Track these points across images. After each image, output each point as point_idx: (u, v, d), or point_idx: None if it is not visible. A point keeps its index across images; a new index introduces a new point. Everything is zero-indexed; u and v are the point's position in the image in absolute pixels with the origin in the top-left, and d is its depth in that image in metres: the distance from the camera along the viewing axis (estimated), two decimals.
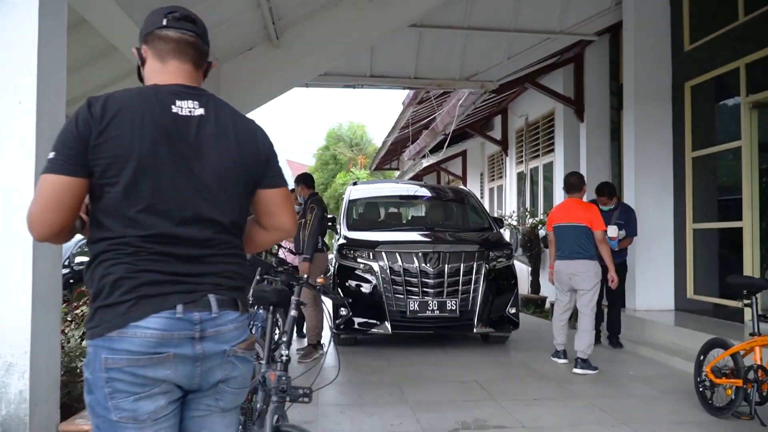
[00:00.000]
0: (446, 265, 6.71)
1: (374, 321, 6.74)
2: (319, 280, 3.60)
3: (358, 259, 6.88)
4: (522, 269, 11.29)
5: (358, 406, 4.87)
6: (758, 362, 4.14)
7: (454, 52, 9.36)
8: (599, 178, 9.43)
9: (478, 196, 16.81)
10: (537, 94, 10.97)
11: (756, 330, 4.29)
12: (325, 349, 6.67)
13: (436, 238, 7.17)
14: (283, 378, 2.70)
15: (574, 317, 6.49)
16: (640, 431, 4.22)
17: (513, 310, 6.97)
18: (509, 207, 13.52)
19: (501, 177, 14.75)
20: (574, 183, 6.57)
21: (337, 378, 5.78)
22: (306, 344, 6.68)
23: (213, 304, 1.81)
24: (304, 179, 6.95)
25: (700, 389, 4.60)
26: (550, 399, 5.03)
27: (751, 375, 4.14)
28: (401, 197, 8.75)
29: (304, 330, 6.81)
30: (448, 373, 5.93)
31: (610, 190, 7.21)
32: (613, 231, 6.84)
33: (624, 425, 4.34)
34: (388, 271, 6.72)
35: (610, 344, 7.19)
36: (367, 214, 8.24)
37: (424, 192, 9.06)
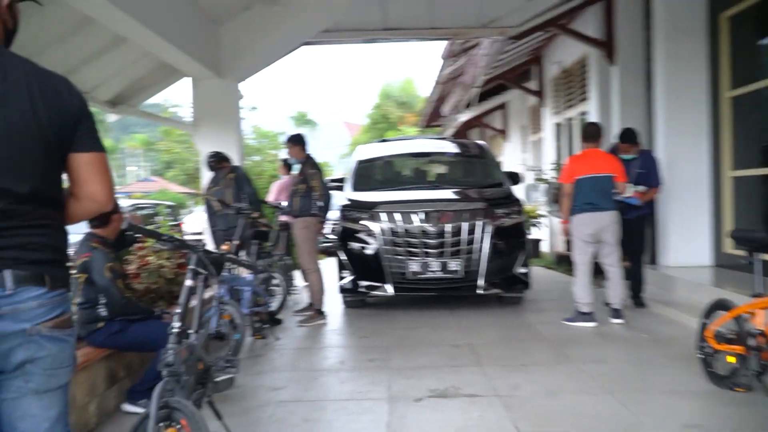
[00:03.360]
0: (448, 224, 6.39)
1: (376, 283, 6.53)
2: (224, 247, 3.38)
3: (359, 221, 6.64)
4: (555, 225, 10.80)
5: (335, 372, 4.70)
6: (759, 327, 3.68)
7: None
8: (633, 126, 8.80)
9: (521, 150, 16.18)
10: (571, 38, 10.24)
11: (759, 290, 3.81)
12: (326, 317, 6.55)
13: (439, 197, 6.82)
14: (171, 353, 2.51)
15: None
16: (623, 400, 3.85)
17: (522, 270, 6.59)
18: (548, 160, 12.89)
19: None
20: (593, 132, 6.25)
21: (326, 342, 5.70)
22: (309, 309, 6.56)
23: (8, 281, 1.66)
24: (297, 139, 6.70)
25: (701, 356, 4.16)
26: (540, 364, 4.71)
27: (751, 341, 3.69)
28: (411, 155, 8.39)
29: (309, 296, 6.68)
30: (445, 337, 5.67)
31: (632, 136, 6.66)
32: (640, 188, 6.36)
33: (607, 394, 3.98)
34: (388, 231, 6.46)
35: (633, 303, 6.72)
36: (374, 173, 7.94)
37: (436, 148, 8.66)
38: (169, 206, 15.57)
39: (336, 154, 39.11)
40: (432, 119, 21.71)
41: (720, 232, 7.41)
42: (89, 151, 1.81)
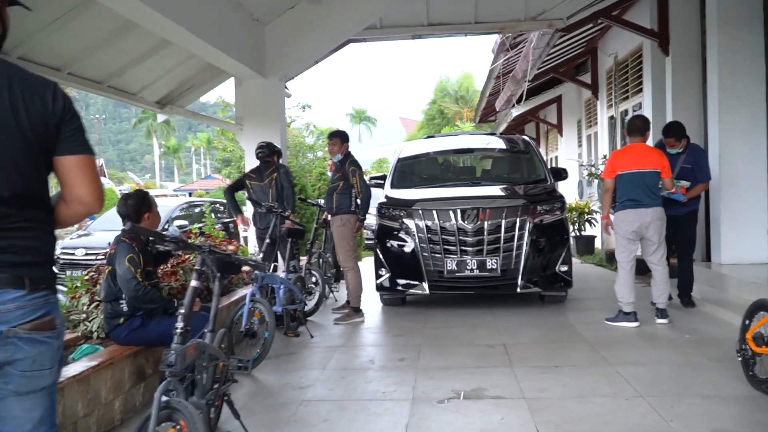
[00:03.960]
0: (486, 222, 6.29)
1: (413, 281, 6.51)
2: (231, 247, 3.42)
3: (396, 218, 6.63)
4: None
5: (363, 371, 4.71)
6: None
7: None
8: (687, 120, 8.46)
9: (576, 144, 15.78)
10: (624, 29, 9.91)
11: None
12: (364, 315, 6.56)
13: (477, 194, 6.72)
14: (173, 353, 2.56)
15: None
16: (655, 405, 3.70)
17: (564, 268, 6.42)
18: (601, 154, 12.52)
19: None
20: (639, 126, 6.06)
21: (359, 340, 5.72)
22: (347, 307, 6.59)
23: None
24: (341, 134, 6.73)
25: (740, 358, 3.95)
26: (574, 366, 4.58)
27: None
28: (453, 151, 8.29)
29: (338, 294, 6.72)
30: (480, 336, 5.60)
31: (678, 130, 6.38)
32: (683, 183, 6.10)
33: (640, 398, 3.84)
34: (424, 229, 6.42)
35: (681, 303, 6.46)
36: (414, 171, 7.90)
37: (479, 144, 8.53)
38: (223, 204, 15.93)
39: (392, 150, 39.15)
40: (486, 114, 21.43)
41: None
42: (75, 154, 1.82)
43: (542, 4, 8.88)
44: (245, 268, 5.31)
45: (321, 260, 7.65)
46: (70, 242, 13.63)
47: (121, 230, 3.93)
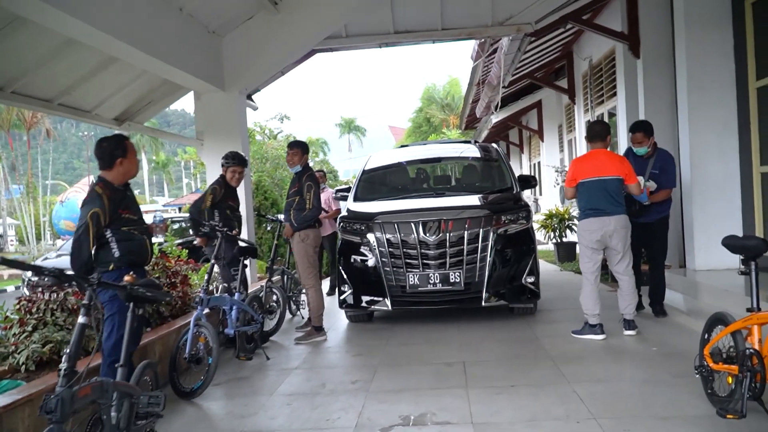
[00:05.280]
0: (448, 234, 6.09)
1: (376, 298, 6.29)
2: (127, 278, 3.21)
3: (357, 233, 6.42)
4: None
5: (312, 396, 4.48)
6: (754, 346, 3.27)
7: None
8: (659, 122, 8.31)
9: (557, 149, 15.62)
10: (596, 33, 9.76)
11: (755, 305, 3.40)
12: (325, 334, 6.34)
13: (440, 205, 6.52)
14: (52, 398, 2.30)
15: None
16: (609, 428, 3.49)
17: (531, 279, 6.21)
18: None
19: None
20: (598, 131, 5.86)
21: (315, 362, 5.49)
22: (309, 326, 6.36)
23: None
24: (301, 145, 6.49)
25: (697, 375, 3.74)
26: (531, 385, 4.36)
27: (745, 361, 3.28)
28: (419, 161, 8.09)
29: (306, 312, 6.49)
30: (441, 353, 5.38)
31: (645, 127, 6.22)
32: (649, 184, 5.90)
33: (592, 419, 3.63)
34: (385, 243, 6.21)
35: (653, 312, 6.26)
36: (379, 182, 7.70)
37: (446, 153, 8.34)
38: None
39: None
40: (471, 121, 21.29)
41: (752, 233, 6.83)
42: None
43: (509, 9, 8.72)
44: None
45: (286, 277, 7.42)
46: (41, 263, 13.39)
47: (98, 176, 3.91)
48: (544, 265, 11.49)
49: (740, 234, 6.94)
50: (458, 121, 30.36)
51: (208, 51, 7.31)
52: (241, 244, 5.75)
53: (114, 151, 3.88)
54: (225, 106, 7.74)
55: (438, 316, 6.77)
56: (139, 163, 4.04)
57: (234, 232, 5.59)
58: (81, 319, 2.49)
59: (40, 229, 34.81)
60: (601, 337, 5.49)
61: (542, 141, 16.53)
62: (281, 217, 7.07)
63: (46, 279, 2.40)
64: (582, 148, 12.42)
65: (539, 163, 17.84)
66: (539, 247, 14.93)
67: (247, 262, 5.98)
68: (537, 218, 16.15)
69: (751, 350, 3.23)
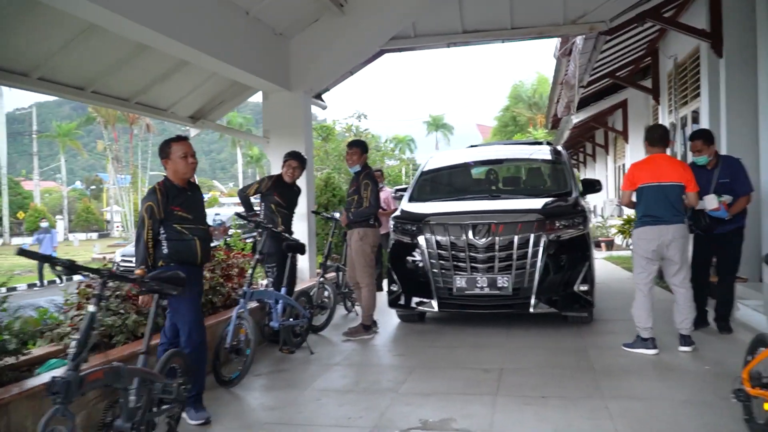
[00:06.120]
0: (498, 237, 5.99)
1: (424, 299, 6.29)
2: (138, 271, 3.35)
3: (408, 233, 6.43)
4: None
5: (342, 393, 4.55)
6: None
7: None
8: (742, 126, 7.82)
9: (643, 152, 14.91)
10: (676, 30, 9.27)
11: None
12: (377, 328, 6.44)
13: (492, 208, 6.41)
14: (59, 380, 2.48)
15: None
16: None
17: (584, 288, 5.99)
18: None
19: None
20: (660, 135, 5.62)
21: (356, 360, 5.56)
22: (359, 323, 6.45)
23: None
24: (361, 144, 6.61)
25: (734, 399, 3.51)
26: (562, 397, 4.24)
27: None
28: (480, 163, 7.96)
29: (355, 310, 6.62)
30: (482, 359, 5.31)
31: (704, 134, 5.91)
32: (712, 202, 5.54)
33: None
34: (434, 244, 6.19)
35: (717, 328, 5.91)
36: (436, 183, 7.65)
37: (509, 155, 8.16)
38: None
39: None
40: (556, 121, 20.74)
41: None
42: None
43: (582, 6, 8.43)
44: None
45: (341, 274, 7.55)
46: (128, 250, 14.23)
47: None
48: (619, 272, 11.06)
49: None
50: (545, 120, 29.63)
51: (274, 52, 7.54)
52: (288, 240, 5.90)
53: (160, 153, 4.14)
54: (290, 106, 7.95)
55: (490, 320, 6.68)
56: (193, 163, 4.13)
57: (278, 228, 5.75)
58: (91, 308, 2.67)
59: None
60: (653, 351, 5.24)
61: (627, 143, 15.84)
62: (337, 215, 7.20)
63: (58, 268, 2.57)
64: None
65: (624, 165, 17.12)
66: (617, 253, 14.33)
67: (297, 258, 6.12)
68: (615, 223, 15.57)
69: None
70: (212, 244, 4.44)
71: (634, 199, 5.52)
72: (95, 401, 3.95)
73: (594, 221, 16.80)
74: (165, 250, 3.99)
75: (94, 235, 46.65)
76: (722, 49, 8.14)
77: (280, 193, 6.07)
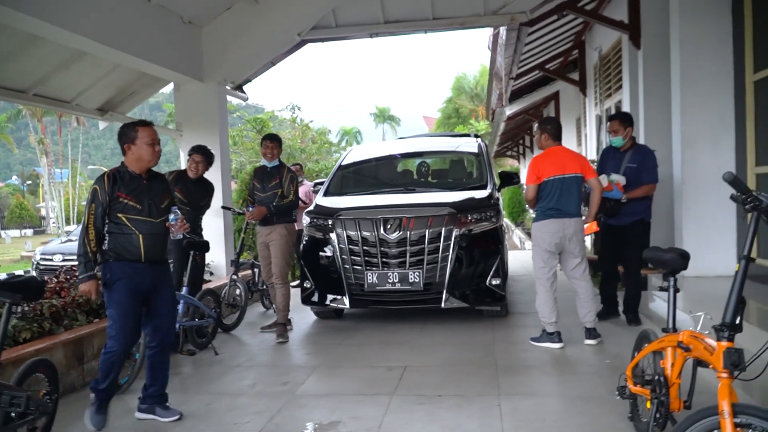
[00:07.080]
0: (409, 232, 5.88)
1: (336, 295, 6.14)
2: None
3: (321, 228, 6.26)
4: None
5: (235, 397, 4.36)
6: (666, 370, 3.00)
7: None
8: (658, 116, 7.91)
9: (575, 143, 15.12)
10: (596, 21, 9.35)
11: (670, 325, 3.12)
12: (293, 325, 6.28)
13: (404, 202, 6.30)
14: None
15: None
16: None
17: (495, 281, 5.95)
18: (589, 156, 11.92)
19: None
20: (558, 128, 5.69)
21: (260, 360, 5.37)
22: (277, 323, 6.22)
23: None
24: (279, 138, 6.38)
25: (618, 397, 3.47)
26: (459, 396, 4.15)
27: (655, 386, 3.02)
28: (398, 156, 7.85)
29: (273, 308, 6.41)
30: (388, 356, 5.20)
31: (622, 115, 5.97)
32: (603, 181, 5.55)
33: None
34: (346, 239, 6.04)
35: (626, 320, 5.96)
36: (352, 177, 7.49)
37: (425, 148, 8.08)
38: None
39: None
40: (494, 113, 20.90)
41: (744, 241, 6.41)
42: None
43: None
44: None
45: (257, 270, 7.33)
46: (49, 248, 13.71)
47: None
48: None
49: (734, 241, 6.57)
50: (485, 111, 29.85)
51: (184, 42, 7.24)
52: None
53: (122, 137, 3.79)
54: (204, 97, 7.68)
55: (406, 316, 6.58)
56: (158, 152, 3.79)
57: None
58: None
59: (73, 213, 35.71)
60: (558, 345, 5.22)
61: None
62: (251, 209, 6.95)
63: None
64: (592, 142, 11.99)
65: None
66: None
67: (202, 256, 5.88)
68: None
69: (659, 375, 2.97)
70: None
71: None
72: None
73: (529, 214, 16.96)
74: (105, 246, 3.71)
75: (29, 231, 44.93)
76: (640, 41, 8.23)
77: (181, 189, 5.80)
